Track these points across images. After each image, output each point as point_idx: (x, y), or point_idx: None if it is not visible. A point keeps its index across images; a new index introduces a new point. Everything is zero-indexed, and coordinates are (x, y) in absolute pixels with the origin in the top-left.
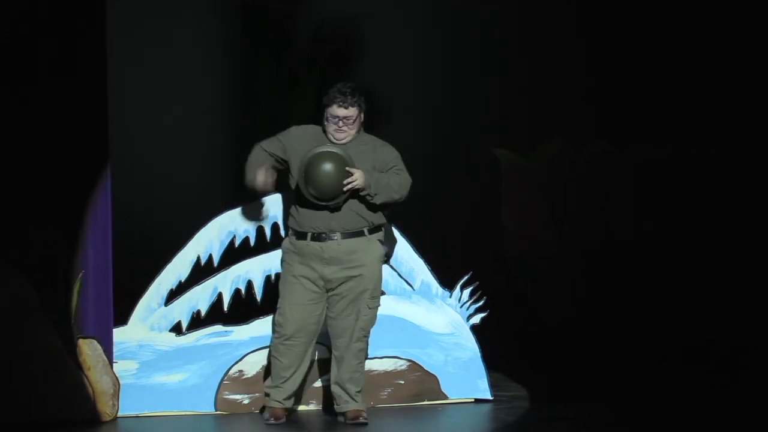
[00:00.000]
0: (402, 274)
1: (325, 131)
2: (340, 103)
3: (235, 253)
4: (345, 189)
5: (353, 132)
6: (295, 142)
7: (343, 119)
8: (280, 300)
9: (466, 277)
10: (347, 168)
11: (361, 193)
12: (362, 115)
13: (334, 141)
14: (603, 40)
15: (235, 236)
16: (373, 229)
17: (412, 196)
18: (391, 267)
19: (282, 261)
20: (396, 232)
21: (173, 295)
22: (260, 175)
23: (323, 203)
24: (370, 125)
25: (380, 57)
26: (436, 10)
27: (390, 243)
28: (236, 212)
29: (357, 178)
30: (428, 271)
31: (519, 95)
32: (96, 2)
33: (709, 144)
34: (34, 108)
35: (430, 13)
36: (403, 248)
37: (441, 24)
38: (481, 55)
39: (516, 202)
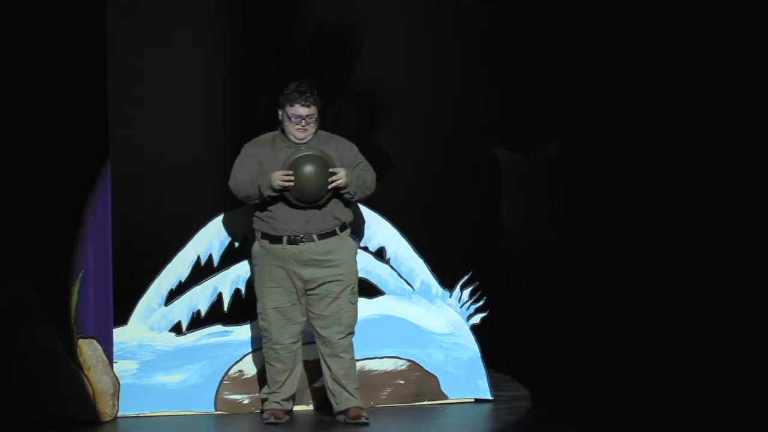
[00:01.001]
0: (402, 274)
1: (284, 131)
2: (303, 103)
3: (235, 253)
4: (330, 188)
5: (314, 131)
6: (259, 150)
7: (306, 118)
8: (260, 305)
9: (466, 277)
10: (330, 170)
11: (342, 192)
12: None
13: (296, 140)
14: (603, 40)
15: (235, 236)
16: (343, 227)
17: (412, 196)
18: (391, 267)
19: (254, 266)
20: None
21: (173, 295)
22: (276, 174)
23: (306, 205)
24: (371, 126)
25: (380, 57)
26: (435, 10)
27: (357, 239)
28: (236, 213)
29: (341, 176)
30: (428, 271)
31: (519, 95)
32: (96, 2)
33: (709, 144)
34: (34, 108)
35: (429, 13)
36: (403, 248)
37: (441, 24)
38: (481, 55)
39: (516, 202)
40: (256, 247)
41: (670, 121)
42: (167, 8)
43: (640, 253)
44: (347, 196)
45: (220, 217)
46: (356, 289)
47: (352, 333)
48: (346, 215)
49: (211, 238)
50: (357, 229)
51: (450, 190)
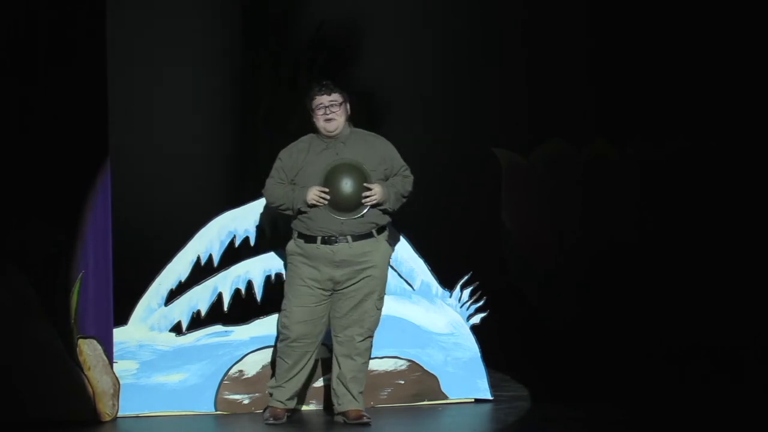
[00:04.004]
0: (402, 274)
1: (316, 131)
2: (322, 91)
3: (235, 253)
4: (363, 202)
5: (342, 119)
6: (294, 160)
7: (329, 106)
8: (285, 302)
9: (466, 277)
10: (365, 184)
11: (379, 208)
12: (348, 106)
13: (327, 133)
14: (603, 39)
15: (235, 236)
16: (380, 229)
17: (412, 196)
18: (391, 267)
19: (287, 263)
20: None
21: (173, 295)
22: (312, 190)
23: (342, 218)
24: (371, 126)
25: (380, 57)
26: (435, 11)
27: (394, 242)
28: (236, 212)
29: (376, 195)
30: (428, 271)
31: (519, 95)
32: (96, 2)
33: (710, 144)
34: (34, 107)
35: (429, 14)
36: (403, 248)
37: (440, 24)
38: (481, 55)
39: (516, 203)
40: (291, 244)
41: (671, 121)
42: (167, 8)
43: (640, 252)
44: (384, 210)
45: (220, 217)
46: (383, 294)
47: (371, 336)
48: (383, 219)
49: (211, 238)
50: (392, 233)
51: (450, 190)
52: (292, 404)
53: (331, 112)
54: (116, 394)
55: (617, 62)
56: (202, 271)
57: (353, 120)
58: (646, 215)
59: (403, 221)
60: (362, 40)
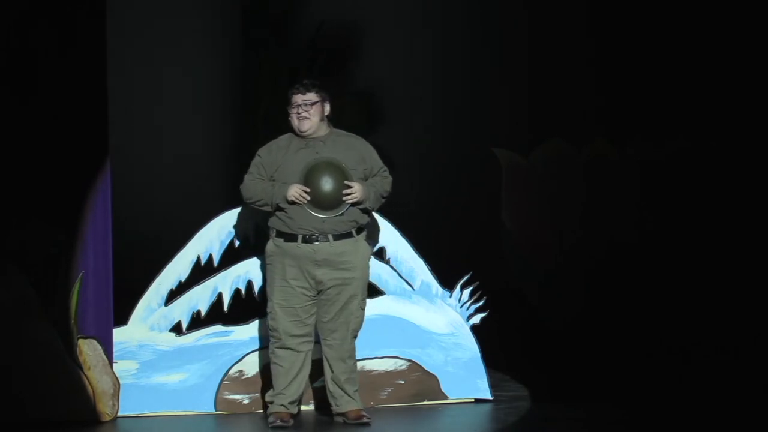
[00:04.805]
0: (402, 274)
1: (294, 132)
2: (297, 91)
3: (235, 253)
4: (344, 200)
5: (316, 119)
6: (273, 157)
7: (302, 105)
8: (269, 304)
9: (466, 277)
10: (346, 182)
11: (360, 207)
12: (326, 106)
13: (300, 132)
14: (604, 39)
15: (235, 236)
16: (359, 229)
17: (412, 196)
18: (391, 267)
19: (266, 265)
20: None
21: (173, 295)
22: (294, 187)
23: (323, 216)
24: (371, 125)
25: (380, 57)
26: (435, 11)
27: (373, 242)
28: (236, 212)
29: (356, 193)
30: (428, 271)
31: (519, 95)
32: (96, 2)
33: (709, 144)
34: (34, 108)
35: (429, 14)
36: (403, 248)
37: (440, 24)
38: (481, 55)
39: (516, 203)
40: (270, 245)
41: (671, 121)
42: (167, 8)
43: (640, 252)
44: (364, 210)
45: (220, 217)
46: (366, 294)
47: (356, 337)
48: (363, 218)
49: (211, 238)
50: (370, 233)
51: (450, 190)
52: (294, 409)
53: (303, 110)
54: (116, 394)
55: (617, 62)
56: (202, 271)
57: (353, 120)
58: (646, 215)
59: (404, 221)
60: (362, 40)
